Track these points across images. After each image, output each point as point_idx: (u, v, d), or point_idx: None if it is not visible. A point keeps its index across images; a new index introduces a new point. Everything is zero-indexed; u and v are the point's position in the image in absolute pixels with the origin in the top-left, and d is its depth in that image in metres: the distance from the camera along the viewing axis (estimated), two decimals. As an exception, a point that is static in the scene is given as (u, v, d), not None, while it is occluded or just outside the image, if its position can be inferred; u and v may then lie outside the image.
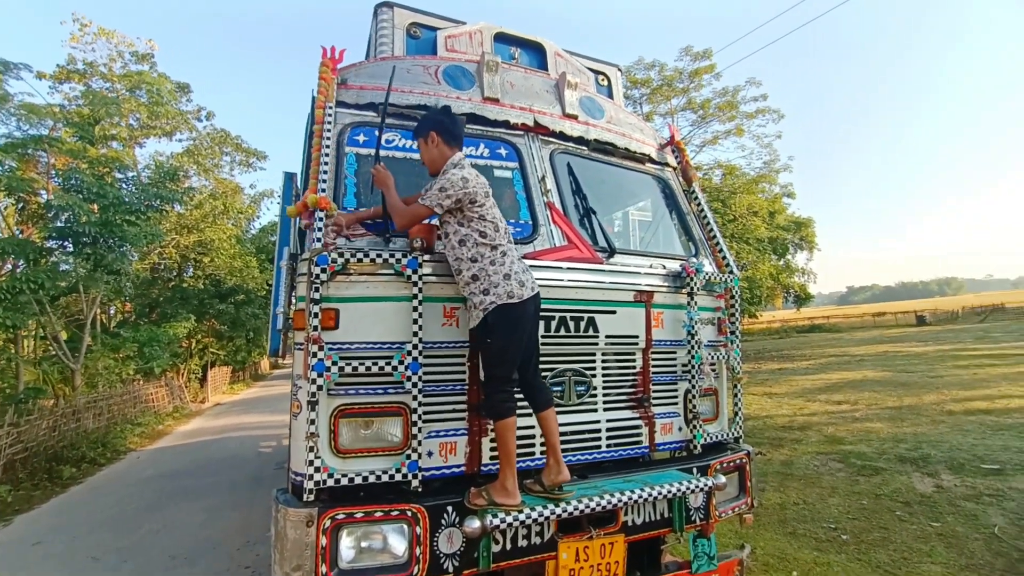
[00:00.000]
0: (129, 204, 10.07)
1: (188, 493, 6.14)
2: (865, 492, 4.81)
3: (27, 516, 5.71)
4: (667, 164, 3.21)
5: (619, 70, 3.74)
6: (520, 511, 1.77)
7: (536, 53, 3.17)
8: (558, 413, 2.20)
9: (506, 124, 2.64)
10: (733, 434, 2.73)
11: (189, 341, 18.31)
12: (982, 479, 4.84)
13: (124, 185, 11.49)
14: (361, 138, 2.39)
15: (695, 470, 2.36)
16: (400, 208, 2.05)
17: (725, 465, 2.50)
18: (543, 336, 2.20)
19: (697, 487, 2.11)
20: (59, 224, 9.47)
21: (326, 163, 2.16)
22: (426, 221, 2.12)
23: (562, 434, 2.21)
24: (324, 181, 2.12)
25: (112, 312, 16.29)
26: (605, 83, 3.62)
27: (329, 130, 2.24)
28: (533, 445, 2.15)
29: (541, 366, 2.21)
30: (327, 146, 2.20)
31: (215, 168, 19.44)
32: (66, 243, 9.79)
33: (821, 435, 7.06)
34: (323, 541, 1.68)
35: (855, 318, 50.74)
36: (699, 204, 3.11)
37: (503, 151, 2.63)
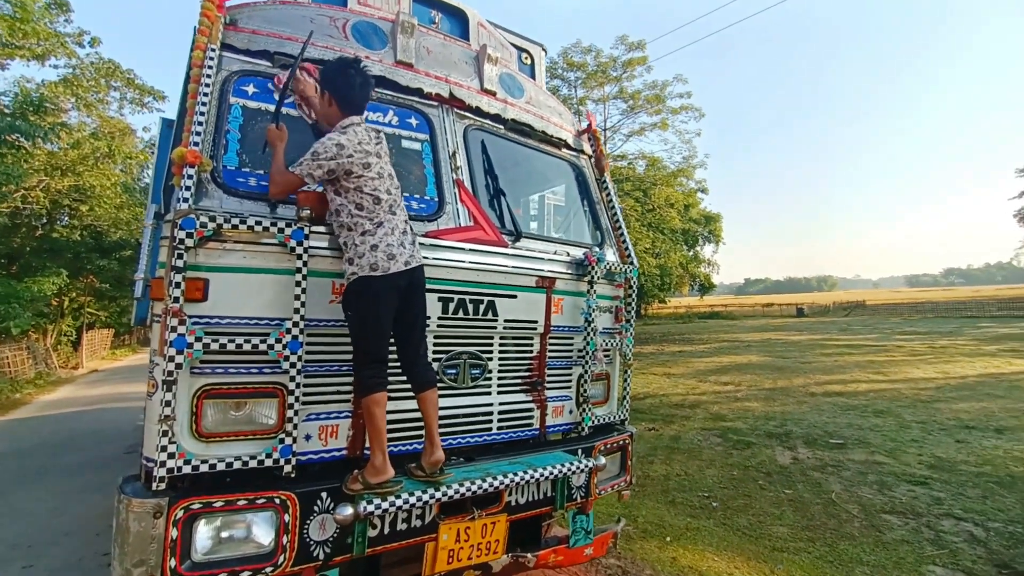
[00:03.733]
0: (-24, 134, 8.49)
1: (45, 473, 5.45)
2: (736, 464, 5.38)
3: None
4: (583, 152, 3.24)
5: (544, 50, 3.69)
6: (398, 495, 1.74)
7: (458, 20, 3.03)
8: (451, 396, 2.19)
9: (419, 92, 2.51)
10: (620, 416, 2.89)
11: (60, 299, 16.10)
12: (828, 452, 5.60)
13: (-29, 111, 9.65)
14: (251, 89, 2.14)
15: (580, 451, 2.46)
16: (278, 173, 1.89)
17: (609, 446, 2.64)
18: (440, 318, 2.15)
19: (579, 468, 2.20)
20: None
21: (203, 112, 1.91)
22: (314, 188, 1.97)
23: (454, 417, 2.21)
24: (199, 133, 1.88)
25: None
26: (528, 62, 3.56)
27: (210, 76, 1.98)
28: (421, 428, 2.11)
29: (436, 348, 2.17)
30: (206, 94, 1.95)
31: (100, 104, 16.85)
32: None
33: (707, 412, 7.77)
34: (173, 533, 1.54)
35: (748, 307, 56.28)
36: (608, 194, 3.18)
37: (414, 121, 2.50)
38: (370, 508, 1.65)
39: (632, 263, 2.96)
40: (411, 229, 2.02)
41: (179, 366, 1.63)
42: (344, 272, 1.90)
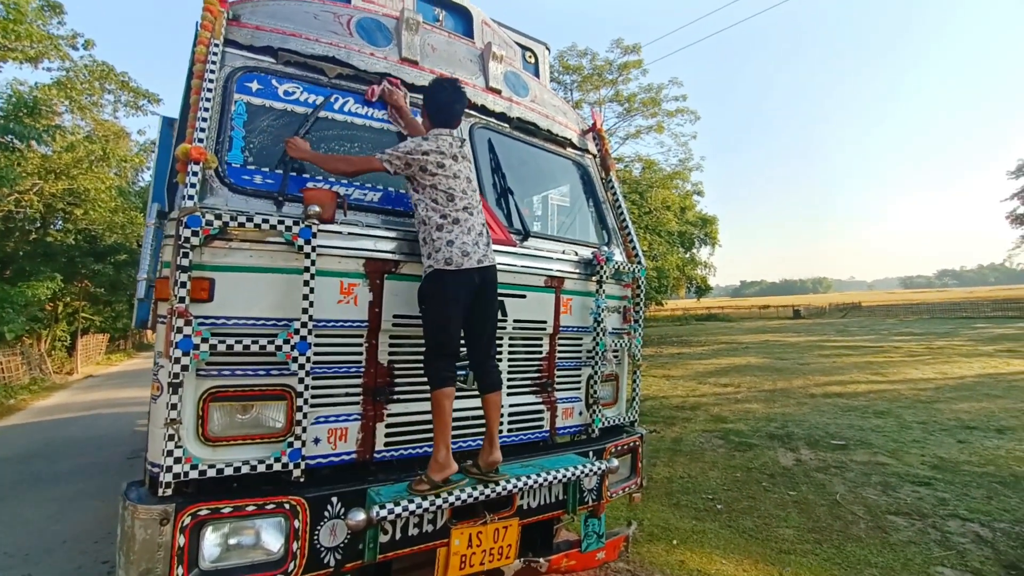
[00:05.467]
0: (-31, 137, 8.39)
1: (39, 480, 5.36)
2: (739, 466, 5.34)
3: None
4: (587, 151, 3.22)
5: (547, 48, 3.67)
6: (411, 501, 1.69)
7: (462, 18, 3.00)
8: (461, 397, 2.15)
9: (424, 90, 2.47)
10: (629, 418, 2.86)
11: (54, 304, 15.93)
12: (831, 453, 5.57)
13: (-36, 114, 9.54)
14: (255, 86, 2.10)
15: (591, 453, 2.42)
16: (345, 157, 2.12)
17: (619, 448, 2.60)
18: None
19: (591, 471, 2.17)
20: None
21: (207, 109, 1.87)
22: (331, 188, 2.00)
23: (464, 419, 2.17)
24: (203, 130, 1.84)
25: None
26: (532, 60, 3.54)
27: (213, 71, 1.95)
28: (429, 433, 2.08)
29: None
30: (209, 90, 1.91)
31: (93, 107, 16.69)
32: None
33: (708, 414, 7.74)
34: (180, 540, 1.49)
35: (745, 309, 56.37)
36: (615, 193, 3.15)
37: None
38: (383, 513, 1.60)
39: (640, 263, 2.94)
40: (487, 232, 2.11)
41: (185, 368, 1.58)
42: (422, 265, 2.00)
